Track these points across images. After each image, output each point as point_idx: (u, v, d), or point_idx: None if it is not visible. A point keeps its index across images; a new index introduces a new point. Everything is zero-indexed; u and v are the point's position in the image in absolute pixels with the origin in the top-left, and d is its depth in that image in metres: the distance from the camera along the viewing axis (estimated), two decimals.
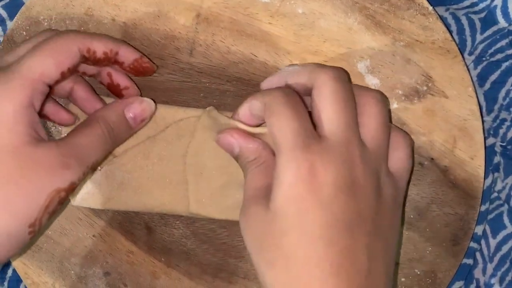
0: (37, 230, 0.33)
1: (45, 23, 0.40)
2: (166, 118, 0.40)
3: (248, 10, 0.40)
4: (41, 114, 0.38)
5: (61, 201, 0.34)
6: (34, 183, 0.32)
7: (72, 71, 0.35)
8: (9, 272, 0.46)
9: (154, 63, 0.40)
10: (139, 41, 0.40)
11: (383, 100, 0.35)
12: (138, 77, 0.40)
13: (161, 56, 0.41)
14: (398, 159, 0.35)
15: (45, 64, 0.34)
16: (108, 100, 0.40)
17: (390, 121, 0.37)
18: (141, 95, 0.40)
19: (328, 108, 0.32)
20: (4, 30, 0.45)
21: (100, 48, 0.36)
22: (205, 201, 0.40)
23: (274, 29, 0.40)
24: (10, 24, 0.43)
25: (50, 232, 0.43)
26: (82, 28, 0.41)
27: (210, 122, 0.39)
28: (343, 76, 0.34)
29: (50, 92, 0.35)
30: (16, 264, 0.43)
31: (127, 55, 0.38)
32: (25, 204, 0.32)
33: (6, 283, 0.46)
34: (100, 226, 0.42)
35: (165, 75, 0.41)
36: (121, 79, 0.39)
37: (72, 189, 0.34)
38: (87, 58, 0.36)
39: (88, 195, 0.40)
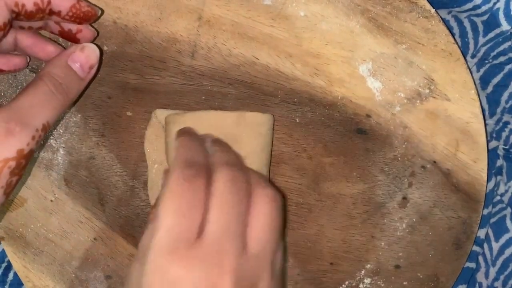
0: None
1: None
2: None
3: (249, 12, 0.40)
4: None
5: (14, 172, 0.32)
6: None
7: (4, 31, 0.33)
8: (10, 275, 0.46)
9: (96, 6, 0.37)
10: (140, 44, 0.40)
11: (276, 199, 0.32)
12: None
13: (163, 59, 0.41)
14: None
15: None
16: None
17: (285, 224, 0.34)
18: (98, 35, 0.38)
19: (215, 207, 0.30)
20: None
21: None
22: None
23: (276, 31, 0.40)
24: None
25: (51, 235, 0.42)
26: None
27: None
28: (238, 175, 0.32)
29: None
30: (17, 267, 0.43)
31: (62, 3, 0.35)
32: None
33: (7, 287, 0.46)
34: (101, 229, 0.42)
35: (167, 78, 0.41)
36: (71, 24, 0.37)
37: (24, 156, 0.32)
38: (18, 13, 0.33)
39: None
